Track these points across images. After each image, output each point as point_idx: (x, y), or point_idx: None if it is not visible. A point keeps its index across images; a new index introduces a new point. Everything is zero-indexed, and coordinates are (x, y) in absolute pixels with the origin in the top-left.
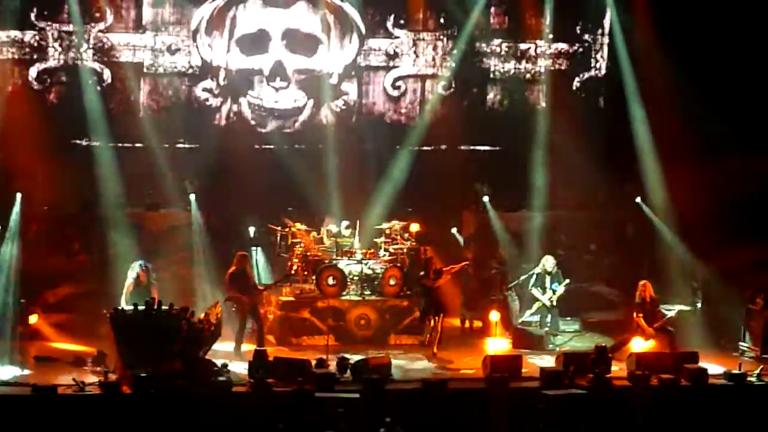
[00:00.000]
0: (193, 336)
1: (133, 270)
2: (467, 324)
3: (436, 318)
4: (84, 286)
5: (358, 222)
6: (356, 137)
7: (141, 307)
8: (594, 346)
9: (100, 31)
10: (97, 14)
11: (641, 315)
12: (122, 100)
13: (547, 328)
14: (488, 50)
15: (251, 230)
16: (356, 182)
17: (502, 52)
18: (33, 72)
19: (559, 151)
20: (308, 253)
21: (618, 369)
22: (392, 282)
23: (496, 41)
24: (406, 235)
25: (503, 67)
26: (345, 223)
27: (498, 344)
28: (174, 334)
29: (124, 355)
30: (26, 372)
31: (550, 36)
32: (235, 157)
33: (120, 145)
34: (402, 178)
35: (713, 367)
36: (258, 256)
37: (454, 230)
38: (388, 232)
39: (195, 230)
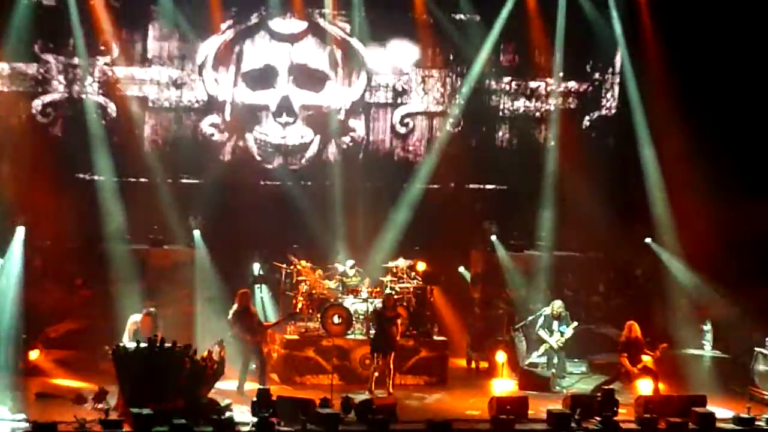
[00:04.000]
0: (196, 374)
1: (135, 320)
2: (473, 364)
3: (385, 356)
4: (86, 321)
5: (364, 260)
6: (363, 174)
7: (143, 345)
8: (600, 388)
9: (106, 64)
10: (103, 47)
11: (626, 355)
12: (126, 134)
13: (554, 370)
14: (497, 88)
15: (256, 267)
16: (363, 220)
17: (512, 90)
18: (37, 105)
19: (567, 191)
20: (313, 291)
21: (625, 412)
22: (398, 321)
23: (506, 79)
24: (413, 273)
25: (512, 105)
26: (350, 262)
27: (504, 385)
28: (177, 372)
29: (126, 393)
30: (27, 408)
31: (560, 74)
32: (240, 193)
33: (124, 179)
34: (409, 216)
35: (722, 411)
36: (263, 293)
37: (461, 268)
38: (394, 270)
39: (199, 267)
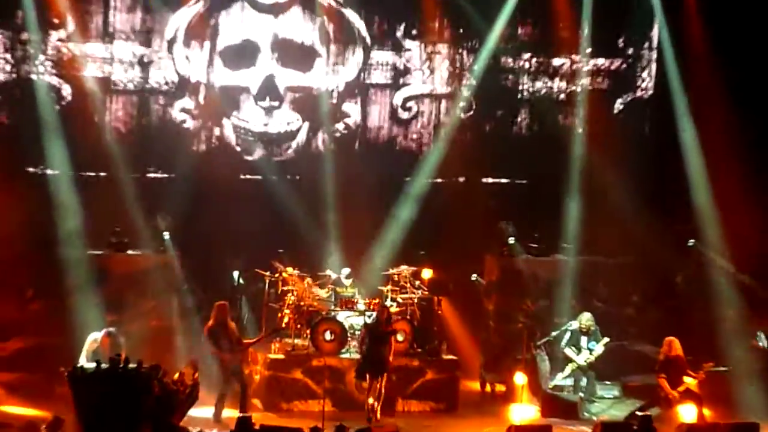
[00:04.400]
0: (165, 399)
1: (94, 338)
2: (488, 388)
3: (376, 379)
4: (38, 339)
5: (360, 267)
6: (359, 167)
7: (105, 365)
8: (636, 415)
9: (60, 40)
10: (57, 20)
11: (665, 376)
12: (84, 121)
13: (582, 394)
14: (515, 66)
15: (235, 275)
16: (359, 220)
17: (532, 69)
18: None
19: (597, 185)
20: (302, 303)
21: None
22: (400, 338)
23: (525, 56)
24: (417, 282)
25: (533, 86)
26: (345, 270)
27: (524, 412)
28: (143, 397)
29: (84, 422)
30: None
31: (588, 50)
32: (217, 190)
33: (81, 173)
34: (413, 215)
35: None
36: (243, 306)
37: (474, 276)
38: (396, 278)
39: (169, 275)
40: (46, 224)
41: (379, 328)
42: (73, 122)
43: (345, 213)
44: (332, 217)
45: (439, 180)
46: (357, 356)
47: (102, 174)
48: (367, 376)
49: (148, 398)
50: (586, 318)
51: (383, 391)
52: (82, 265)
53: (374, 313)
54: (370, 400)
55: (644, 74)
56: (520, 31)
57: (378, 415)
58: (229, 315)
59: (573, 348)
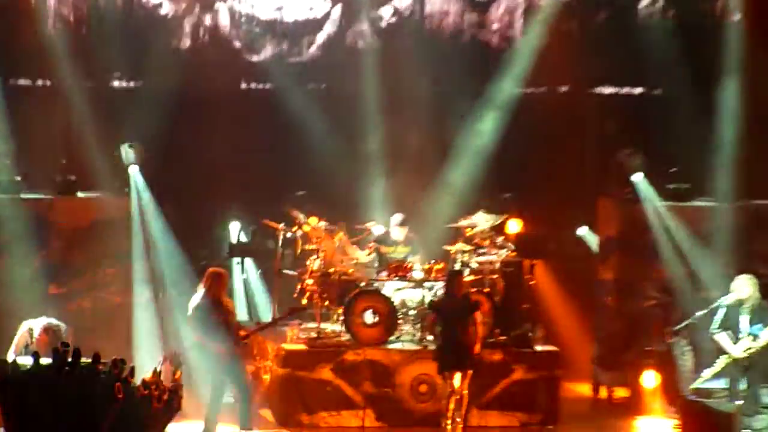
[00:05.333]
0: (133, 409)
1: (29, 328)
2: (603, 392)
3: (457, 375)
4: None
5: (417, 217)
6: (414, 71)
7: (45, 361)
8: None
9: None
10: None
11: None
12: (19, 10)
13: (740, 401)
14: None
15: (234, 229)
16: (413, 147)
17: None
18: None
19: (761, 98)
20: (331, 270)
21: None
22: (477, 318)
23: None
24: (500, 239)
25: None
26: (396, 218)
27: (656, 426)
28: (102, 406)
29: None
30: None
31: None
32: (208, 105)
33: (12, 82)
34: (492, 143)
35: None
36: (246, 273)
37: (583, 230)
38: (469, 233)
39: (138, 229)
40: None
41: (452, 305)
42: (3, 11)
43: (392, 138)
44: (374, 144)
45: (531, 90)
46: (413, 347)
47: (42, 83)
48: (445, 374)
49: (108, 408)
50: (747, 289)
51: (466, 396)
52: (12, 215)
53: (440, 284)
54: (450, 414)
55: None
56: None
57: (449, 427)
58: (227, 288)
59: (728, 333)
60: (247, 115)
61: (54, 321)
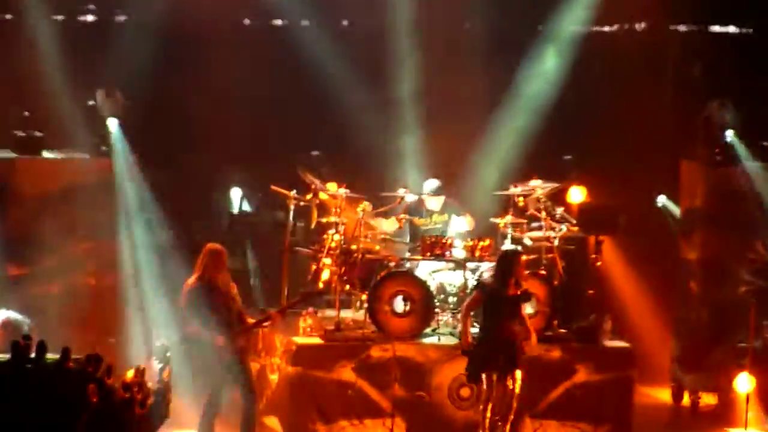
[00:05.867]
0: (111, 415)
1: None
2: (686, 398)
3: (503, 381)
4: None
5: (458, 181)
6: (457, 9)
7: (3, 356)
8: None
9: None
10: None
11: None
12: None
13: None
14: None
15: (236, 196)
16: (455, 98)
17: None
18: None
19: None
20: (353, 247)
21: None
22: (529, 309)
23: None
24: (560, 210)
25: None
26: (431, 183)
27: None
28: (72, 411)
29: None
30: None
31: None
32: (203, 44)
33: None
34: (552, 92)
35: None
36: (250, 251)
37: (661, 200)
38: (521, 203)
39: (119, 196)
40: None
41: (502, 293)
42: None
43: (431, 86)
44: (406, 94)
45: (601, 28)
46: (453, 341)
47: (0, 17)
48: (484, 375)
49: (80, 414)
50: None
51: (514, 401)
52: None
53: (486, 266)
54: (487, 423)
55: None
56: None
57: None
58: (226, 267)
59: None
60: (251, 57)
61: (13, 314)
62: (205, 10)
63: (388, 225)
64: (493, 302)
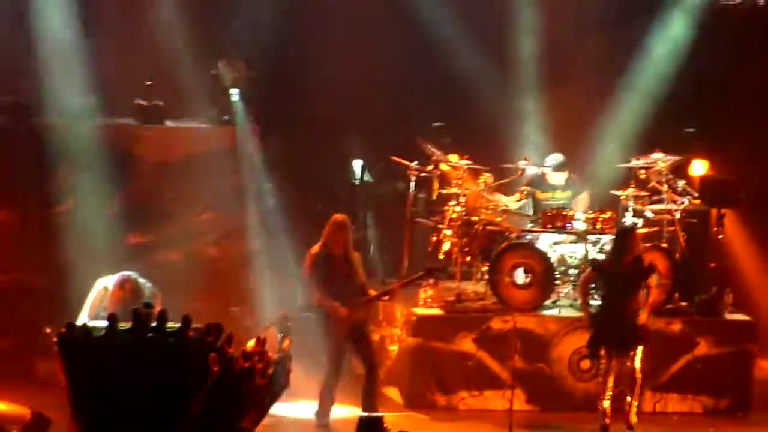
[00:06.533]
0: (231, 384)
1: (105, 286)
2: None
3: (623, 356)
4: (4, 277)
5: (580, 155)
6: None
7: (124, 325)
8: None
9: None
10: None
11: None
12: None
13: None
14: None
15: (357, 167)
16: (577, 67)
17: None
18: None
19: None
20: (474, 218)
21: None
22: (651, 281)
23: None
24: (682, 183)
25: None
26: (554, 158)
27: None
28: (193, 381)
29: (87, 422)
30: None
31: None
32: (326, 13)
33: None
34: (676, 62)
35: None
36: (370, 222)
37: None
38: (643, 176)
39: (238, 166)
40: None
41: (620, 268)
42: None
43: (553, 52)
44: (530, 62)
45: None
46: (574, 314)
47: None
48: (603, 350)
49: (200, 382)
50: None
51: (638, 377)
52: (84, 147)
53: (607, 238)
54: (608, 395)
55: None
56: None
57: (633, 418)
58: (350, 238)
59: None
60: (373, 24)
61: (133, 275)
62: None
63: (509, 198)
64: (607, 279)
